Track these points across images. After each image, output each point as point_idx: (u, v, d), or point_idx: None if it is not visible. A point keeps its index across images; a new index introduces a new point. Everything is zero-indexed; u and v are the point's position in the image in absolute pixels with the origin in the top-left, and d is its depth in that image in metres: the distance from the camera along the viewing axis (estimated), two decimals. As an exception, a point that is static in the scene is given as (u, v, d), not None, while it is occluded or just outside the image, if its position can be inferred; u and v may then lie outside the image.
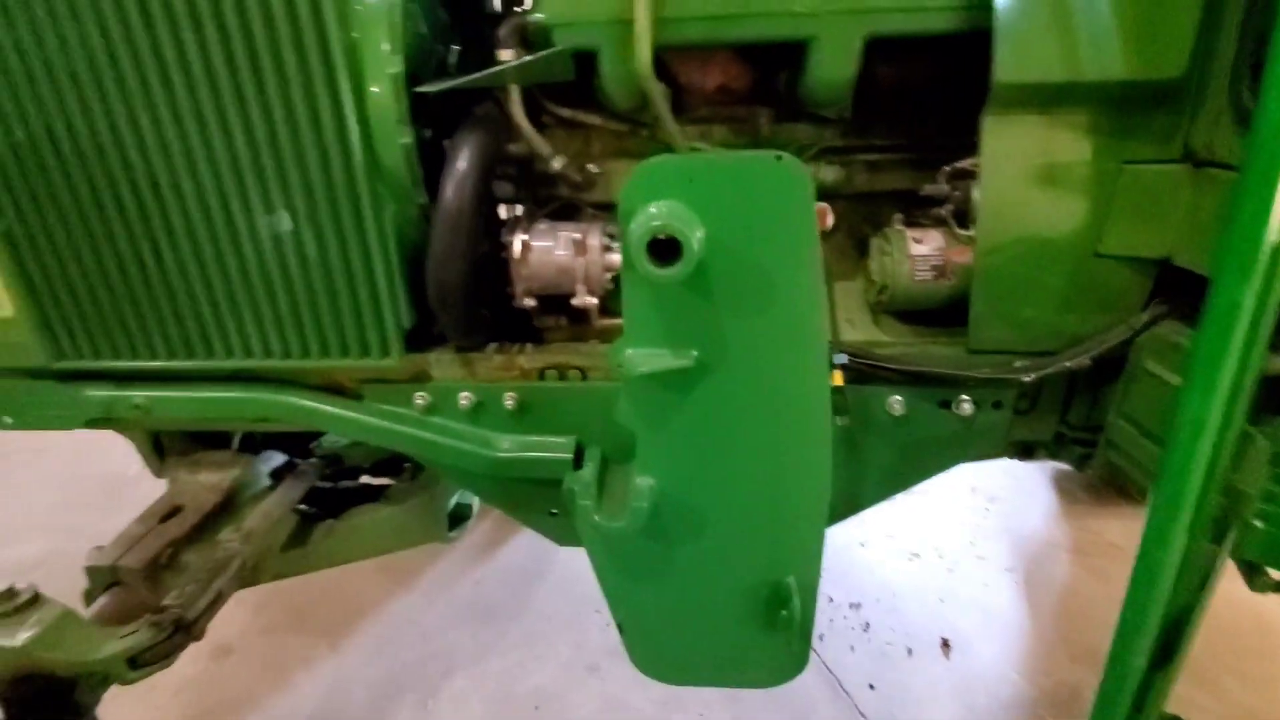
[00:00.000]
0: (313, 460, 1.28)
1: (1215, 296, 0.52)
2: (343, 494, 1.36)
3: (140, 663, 0.79)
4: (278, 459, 1.28)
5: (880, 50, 0.87)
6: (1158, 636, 0.73)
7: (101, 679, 0.78)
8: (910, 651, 1.70)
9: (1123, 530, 2.07)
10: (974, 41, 0.81)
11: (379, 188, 0.89)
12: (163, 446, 1.27)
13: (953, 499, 2.24)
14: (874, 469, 1.03)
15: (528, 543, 2.15)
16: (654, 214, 0.60)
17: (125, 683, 0.79)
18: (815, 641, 1.74)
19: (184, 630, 0.83)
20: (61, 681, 0.76)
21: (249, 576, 1.05)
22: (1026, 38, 0.79)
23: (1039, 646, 1.70)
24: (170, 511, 1.05)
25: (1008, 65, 0.79)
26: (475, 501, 1.46)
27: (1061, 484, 2.29)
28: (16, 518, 2.43)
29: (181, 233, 0.94)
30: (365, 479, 1.50)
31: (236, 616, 1.93)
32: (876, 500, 1.08)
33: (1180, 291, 0.90)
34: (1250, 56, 0.76)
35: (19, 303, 1.00)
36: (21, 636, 0.74)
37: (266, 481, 1.21)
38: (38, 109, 0.88)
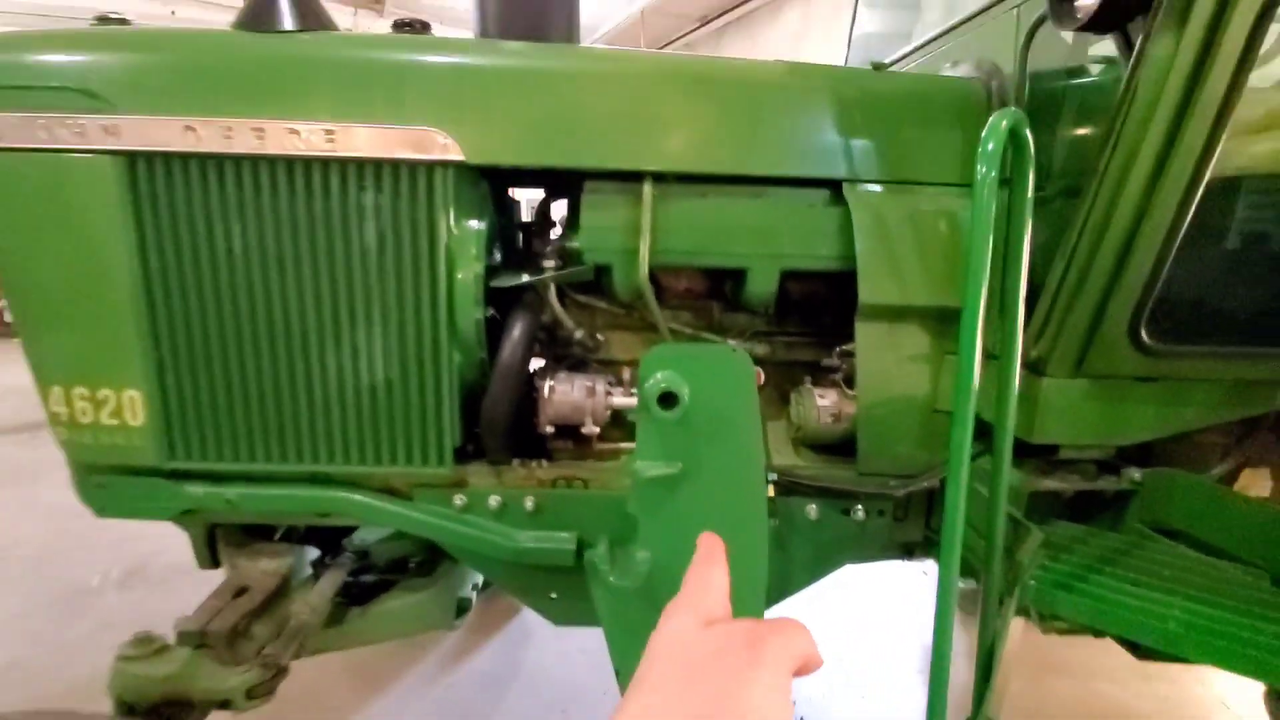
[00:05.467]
0: (347, 554, 1.54)
1: (952, 427, 0.96)
2: (363, 585, 1.61)
3: (252, 695, 1.01)
4: (314, 552, 1.53)
5: (792, 275, 1.36)
6: (981, 659, 1.10)
7: (219, 704, 1.00)
8: (838, 743, 1.96)
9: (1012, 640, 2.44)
10: (850, 275, 1.30)
11: (453, 346, 1.28)
12: (215, 540, 1.51)
13: (875, 613, 2.59)
14: (798, 560, 1.40)
15: (495, 652, 2.32)
16: (660, 378, 1.00)
17: (241, 710, 1.00)
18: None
19: (281, 673, 1.06)
20: (182, 704, 0.98)
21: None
22: (877, 275, 1.27)
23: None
24: (239, 590, 1.29)
25: (867, 291, 1.27)
26: (473, 596, 1.72)
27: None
28: (-12, 622, 2.42)
29: (300, 371, 1.27)
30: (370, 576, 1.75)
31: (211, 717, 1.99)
32: (802, 586, 1.43)
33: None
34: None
35: (149, 413, 1.29)
36: (165, 670, 0.97)
37: (310, 570, 1.46)
38: (213, 275, 1.23)
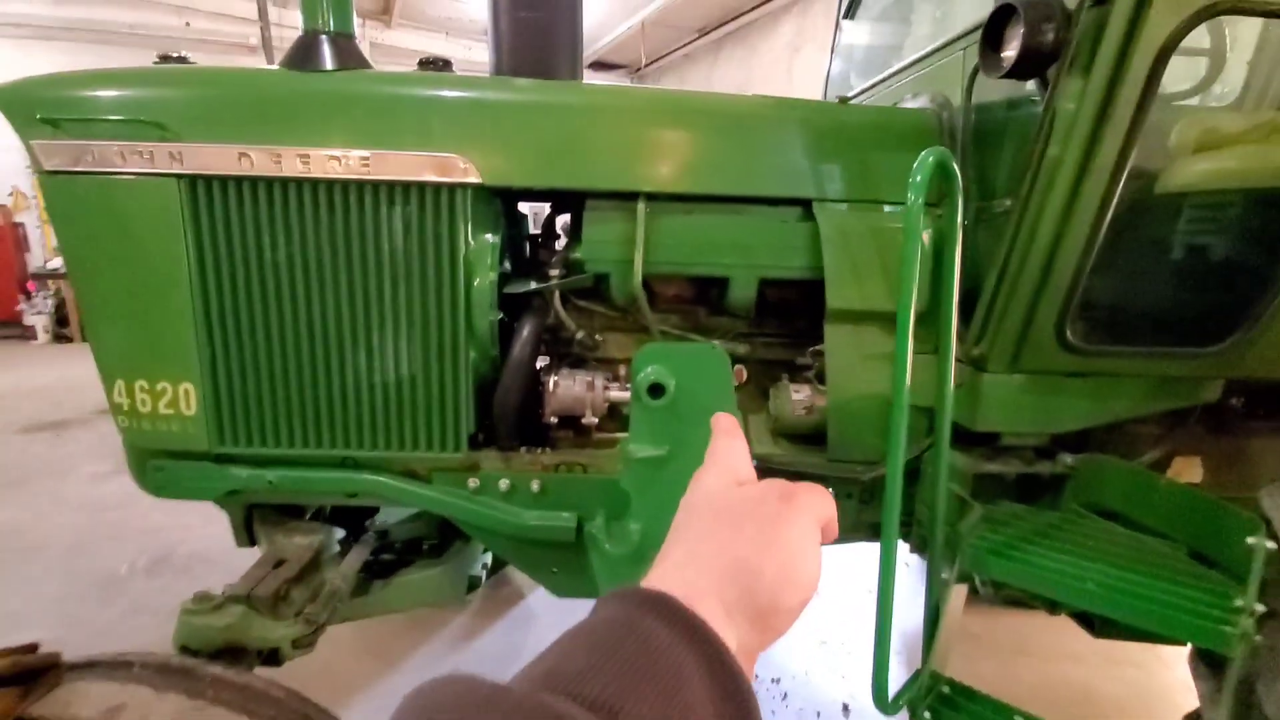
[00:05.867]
0: (369, 534, 1.70)
1: (891, 413, 1.12)
2: (382, 563, 1.77)
3: (296, 645, 1.18)
4: (340, 532, 1.70)
5: (769, 283, 1.53)
6: (929, 617, 1.26)
7: (269, 653, 1.16)
8: (818, 714, 2.11)
9: (982, 623, 2.59)
10: (820, 283, 1.46)
11: (470, 345, 1.45)
12: (252, 520, 1.67)
13: (854, 599, 2.74)
14: (775, 538, 1.56)
15: (500, 634, 2.48)
16: (650, 371, 1.17)
17: (286, 659, 1.17)
18: (744, 709, 2.13)
19: (320, 629, 1.23)
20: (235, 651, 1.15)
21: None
22: (843, 283, 1.44)
23: (917, 711, 2.14)
24: (278, 562, 1.46)
25: (833, 297, 1.44)
26: (483, 575, 1.88)
27: (941, 588, 2.83)
28: (22, 607, 2.59)
29: (335, 366, 1.43)
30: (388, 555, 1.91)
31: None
32: (778, 562, 1.59)
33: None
34: (961, 297, 1.43)
35: (202, 406, 1.46)
36: (223, 621, 1.13)
37: (337, 548, 1.63)
38: (260, 282, 1.40)
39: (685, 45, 10.77)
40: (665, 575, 0.40)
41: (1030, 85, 1.22)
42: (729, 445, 0.53)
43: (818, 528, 0.46)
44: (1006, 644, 2.56)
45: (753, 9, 9.24)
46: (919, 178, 1.00)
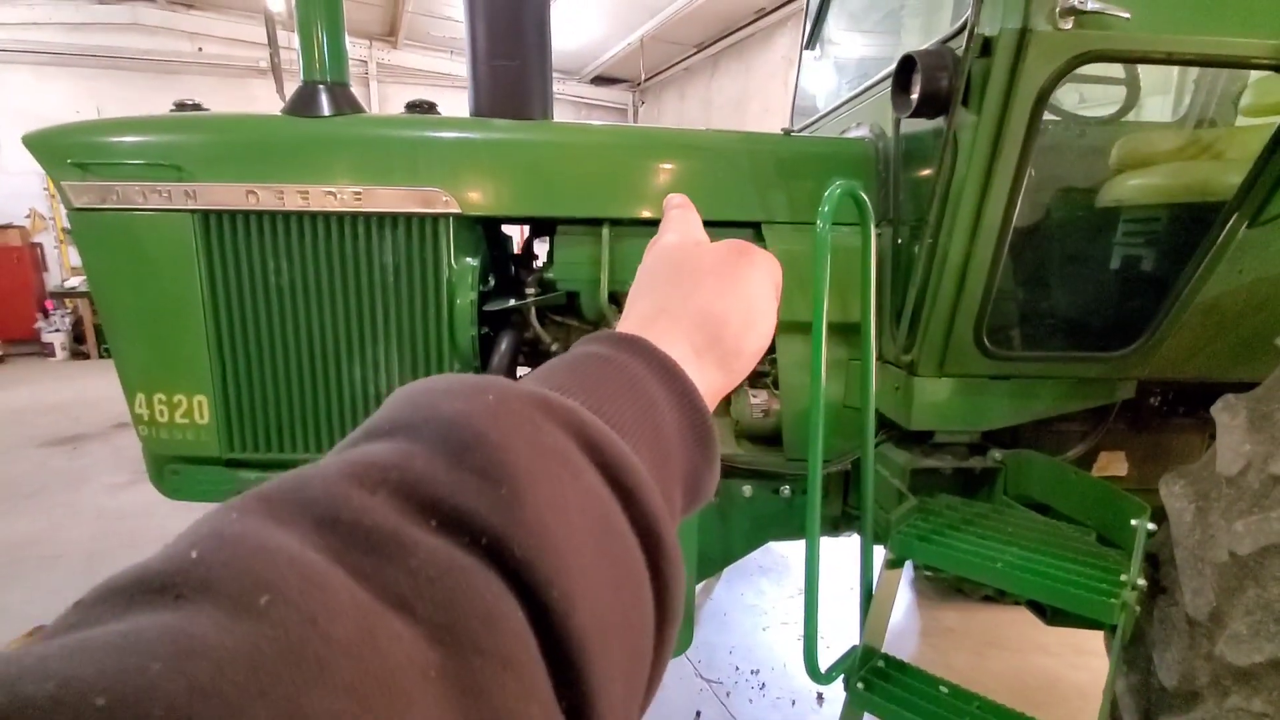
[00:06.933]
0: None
1: (810, 410, 1.27)
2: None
3: None
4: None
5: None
6: (863, 596, 1.40)
7: None
8: (794, 703, 2.24)
9: (957, 618, 2.71)
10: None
11: (453, 358, 1.60)
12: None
13: (831, 595, 2.87)
14: (736, 532, 1.70)
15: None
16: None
17: None
18: (723, 697, 2.26)
19: None
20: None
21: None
22: (791, 297, 1.59)
23: (885, 697, 2.26)
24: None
25: (782, 310, 1.57)
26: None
27: (918, 586, 2.95)
28: (41, 612, 2.75)
29: (332, 378, 1.60)
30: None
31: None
32: (742, 554, 1.73)
33: (891, 426, 1.66)
34: (895, 309, 1.58)
35: (214, 415, 1.62)
36: None
37: (337, 544, 1.78)
38: (265, 304, 1.57)
39: (684, 60, 10.99)
40: (637, 324, 0.42)
41: (941, 120, 1.38)
42: (683, 214, 0.53)
43: (772, 281, 0.49)
44: (979, 637, 2.67)
45: (748, 24, 9.45)
46: (826, 208, 1.14)
